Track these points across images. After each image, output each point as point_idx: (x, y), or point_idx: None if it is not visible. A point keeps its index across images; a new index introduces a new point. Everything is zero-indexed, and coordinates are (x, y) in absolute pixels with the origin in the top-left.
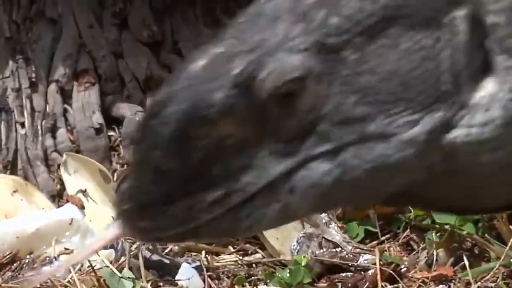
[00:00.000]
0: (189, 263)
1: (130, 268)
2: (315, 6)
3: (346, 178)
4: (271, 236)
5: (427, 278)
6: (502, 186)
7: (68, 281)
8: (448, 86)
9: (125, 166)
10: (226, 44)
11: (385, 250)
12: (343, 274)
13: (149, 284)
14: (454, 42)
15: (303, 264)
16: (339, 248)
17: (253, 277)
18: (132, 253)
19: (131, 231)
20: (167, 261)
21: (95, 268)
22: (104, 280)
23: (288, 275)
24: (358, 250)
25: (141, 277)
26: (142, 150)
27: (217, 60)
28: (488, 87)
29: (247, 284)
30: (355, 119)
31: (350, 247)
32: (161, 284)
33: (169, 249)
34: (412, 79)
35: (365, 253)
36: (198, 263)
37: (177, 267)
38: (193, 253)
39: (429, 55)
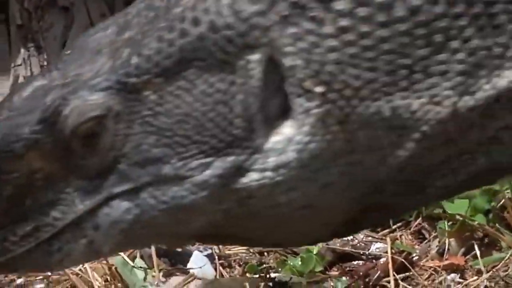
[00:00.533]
0: (200, 251)
1: (142, 257)
2: (125, 43)
3: (144, 217)
4: None
5: (439, 266)
6: (302, 223)
7: (80, 270)
8: (240, 131)
9: None
10: (49, 76)
11: (397, 239)
12: (355, 262)
13: (161, 273)
14: (247, 86)
15: (314, 252)
16: (351, 237)
17: (264, 265)
18: None
19: None
20: (178, 250)
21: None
22: (116, 269)
23: (299, 263)
24: (369, 238)
25: (153, 266)
26: None
27: (37, 93)
28: (285, 131)
29: (258, 272)
30: (152, 160)
31: (361, 236)
32: (172, 272)
33: None
34: (206, 123)
35: (376, 242)
36: (209, 251)
37: (188, 255)
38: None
39: (223, 99)
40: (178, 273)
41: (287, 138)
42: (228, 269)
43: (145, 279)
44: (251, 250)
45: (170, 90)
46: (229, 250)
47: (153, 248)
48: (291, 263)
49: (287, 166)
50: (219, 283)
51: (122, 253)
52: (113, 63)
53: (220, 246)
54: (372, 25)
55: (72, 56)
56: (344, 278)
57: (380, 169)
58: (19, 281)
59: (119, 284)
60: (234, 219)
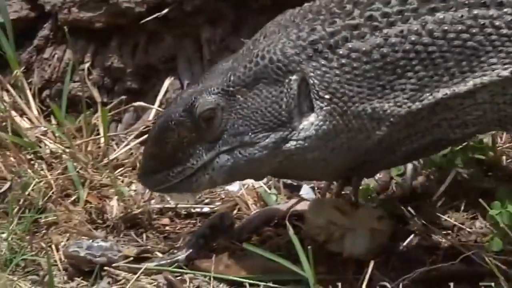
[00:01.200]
0: (307, 184)
1: (275, 187)
2: (232, 68)
3: (236, 164)
4: None
5: None
6: (322, 170)
7: (238, 196)
8: (285, 118)
9: None
10: (194, 87)
11: None
12: None
13: (286, 196)
14: (289, 93)
15: None
16: None
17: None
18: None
19: (143, 185)
20: (294, 183)
21: (255, 187)
22: (259, 194)
23: None
24: None
25: (281, 193)
26: (147, 142)
27: (187, 95)
28: (310, 119)
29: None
30: (239, 133)
31: None
32: (291, 196)
33: None
34: (267, 113)
35: None
36: (312, 185)
37: (300, 186)
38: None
39: (276, 100)
40: (294, 197)
41: (310, 123)
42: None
43: (276, 200)
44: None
45: (250, 95)
46: (322, 184)
47: (281, 183)
48: None
49: (310, 138)
50: (321, 201)
51: (263, 184)
52: (223, 80)
53: (317, 182)
54: (360, 63)
55: (207, 76)
56: None
57: (367, 141)
58: (205, 209)
59: (262, 202)
60: (284, 167)
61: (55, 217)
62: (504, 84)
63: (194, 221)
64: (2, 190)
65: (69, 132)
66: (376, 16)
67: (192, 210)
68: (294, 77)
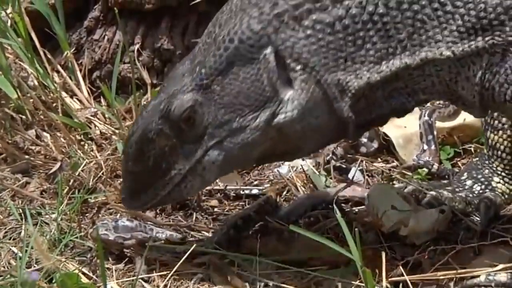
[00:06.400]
0: (355, 166)
1: (325, 170)
2: (197, 64)
3: (229, 155)
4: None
5: None
6: (312, 138)
7: (287, 178)
8: (269, 93)
9: None
10: (159, 96)
11: None
12: None
13: (335, 179)
14: (267, 68)
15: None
16: None
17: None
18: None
19: (129, 209)
20: (344, 166)
21: (304, 169)
22: (309, 176)
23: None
24: None
25: (331, 175)
26: (123, 163)
27: (156, 103)
28: (291, 90)
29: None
30: (225, 122)
31: None
32: (339, 179)
33: (344, 160)
34: (250, 93)
35: None
36: (360, 167)
37: (349, 169)
38: (358, 162)
39: (256, 78)
40: (342, 180)
41: (292, 93)
42: (370, 178)
43: (325, 182)
44: (384, 166)
45: (227, 81)
46: (372, 166)
47: (331, 165)
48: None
49: (296, 108)
50: (383, 186)
51: (312, 167)
52: (192, 77)
53: (367, 164)
54: (324, 34)
55: (168, 83)
56: None
57: (343, 107)
58: (254, 191)
59: (310, 185)
60: (276, 143)
61: (104, 198)
62: (449, 63)
63: (242, 203)
64: (53, 170)
65: (119, 113)
66: None
67: (241, 192)
68: (268, 50)
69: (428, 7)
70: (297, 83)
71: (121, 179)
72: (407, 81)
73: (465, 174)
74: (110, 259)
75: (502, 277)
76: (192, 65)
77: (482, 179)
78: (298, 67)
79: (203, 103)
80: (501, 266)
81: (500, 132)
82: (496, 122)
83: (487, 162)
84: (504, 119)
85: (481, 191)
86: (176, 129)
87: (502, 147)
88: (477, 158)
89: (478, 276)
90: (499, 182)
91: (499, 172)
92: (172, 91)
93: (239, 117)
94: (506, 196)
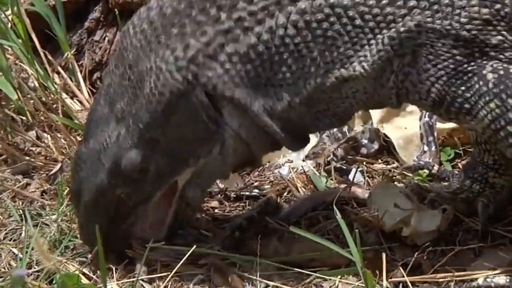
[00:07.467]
0: (355, 167)
1: (325, 171)
2: (125, 114)
3: (203, 186)
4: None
5: None
6: (257, 152)
7: (288, 179)
8: (214, 128)
9: None
10: (88, 144)
11: None
12: None
13: (335, 180)
14: (203, 106)
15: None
16: None
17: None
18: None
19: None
20: (344, 167)
21: (305, 170)
22: (309, 177)
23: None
24: None
25: (331, 176)
26: (82, 219)
27: (93, 161)
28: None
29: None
30: (180, 164)
31: None
32: (340, 181)
33: (344, 161)
34: (195, 134)
35: None
36: (361, 168)
37: (349, 170)
38: (358, 163)
39: (197, 119)
40: (343, 181)
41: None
42: (371, 179)
43: (325, 183)
44: (385, 166)
45: (169, 131)
46: (372, 168)
47: (332, 167)
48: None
49: (232, 137)
50: (386, 185)
51: (312, 168)
52: (129, 131)
53: (367, 166)
54: (241, 65)
55: (94, 126)
56: None
57: (273, 130)
58: (254, 192)
59: (311, 186)
60: (239, 157)
61: None
62: (364, 83)
63: (243, 204)
64: (53, 171)
65: None
66: (244, 16)
67: (241, 193)
68: (197, 91)
69: (337, 23)
70: (229, 118)
71: None
72: (328, 104)
73: (463, 174)
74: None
75: (501, 279)
76: (113, 112)
77: (479, 178)
78: (224, 102)
79: (151, 155)
80: (500, 268)
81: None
82: None
83: (478, 159)
84: (465, 126)
85: (480, 190)
86: (129, 179)
87: (483, 139)
88: (471, 157)
89: (477, 278)
90: (495, 177)
91: (491, 166)
92: (104, 141)
93: (193, 157)
94: (506, 189)
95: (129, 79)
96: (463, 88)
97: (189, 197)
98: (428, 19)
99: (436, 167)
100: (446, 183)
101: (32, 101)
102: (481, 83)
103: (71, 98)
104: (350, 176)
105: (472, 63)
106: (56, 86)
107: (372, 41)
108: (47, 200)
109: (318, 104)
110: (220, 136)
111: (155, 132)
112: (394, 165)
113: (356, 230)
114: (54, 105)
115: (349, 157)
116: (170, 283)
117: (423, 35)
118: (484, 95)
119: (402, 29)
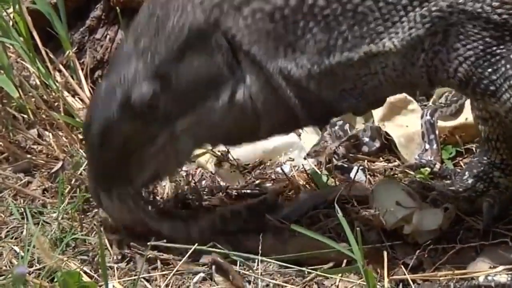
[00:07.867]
0: (357, 166)
1: (326, 169)
2: (145, 49)
3: (198, 139)
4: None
5: None
6: (263, 122)
7: (290, 176)
8: (227, 73)
9: None
10: (108, 78)
11: None
12: None
13: (336, 179)
14: (221, 49)
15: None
16: None
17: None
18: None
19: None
20: (345, 165)
21: (306, 168)
22: (310, 175)
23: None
24: None
25: (333, 174)
26: (89, 154)
27: (108, 92)
28: (245, 70)
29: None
30: (188, 107)
31: None
32: (341, 178)
33: (345, 159)
34: (207, 77)
35: None
36: (362, 167)
37: (351, 168)
38: (359, 161)
39: (212, 61)
40: (344, 179)
41: (247, 78)
42: (372, 178)
43: (326, 181)
44: (386, 165)
45: (182, 69)
46: (373, 166)
47: (332, 165)
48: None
49: (248, 89)
50: (388, 182)
51: (314, 166)
52: (145, 64)
53: (368, 164)
54: (263, 23)
55: (117, 63)
56: None
57: (287, 95)
58: (255, 190)
59: (312, 184)
60: (238, 123)
61: None
62: (393, 58)
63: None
64: (54, 169)
65: None
66: None
67: (243, 191)
68: (218, 34)
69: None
70: (248, 69)
71: None
72: (356, 81)
73: (466, 173)
74: (111, 258)
75: (502, 278)
76: (137, 48)
77: (484, 176)
78: (242, 55)
79: (161, 91)
80: (501, 267)
81: (490, 121)
82: (483, 112)
83: (485, 158)
84: (490, 108)
85: (484, 189)
86: (139, 114)
87: (495, 136)
88: (476, 156)
89: (478, 276)
90: (500, 177)
91: (498, 166)
92: (123, 75)
93: (201, 100)
94: (510, 189)
95: (157, 17)
96: (489, 70)
97: (178, 148)
98: (460, 1)
99: (437, 166)
100: (448, 181)
101: (33, 99)
102: (508, 66)
103: (73, 96)
104: (352, 174)
105: (502, 46)
106: (57, 84)
107: (404, 19)
108: (48, 198)
109: (344, 81)
110: (232, 85)
111: (168, 68)
112: (396, 163)
113: (357, 228)
114: (56, 103)
115: (350, 155)
116: (171, 281)
117: (455, 16)
118: (509, 78)
119: (434, 8)
